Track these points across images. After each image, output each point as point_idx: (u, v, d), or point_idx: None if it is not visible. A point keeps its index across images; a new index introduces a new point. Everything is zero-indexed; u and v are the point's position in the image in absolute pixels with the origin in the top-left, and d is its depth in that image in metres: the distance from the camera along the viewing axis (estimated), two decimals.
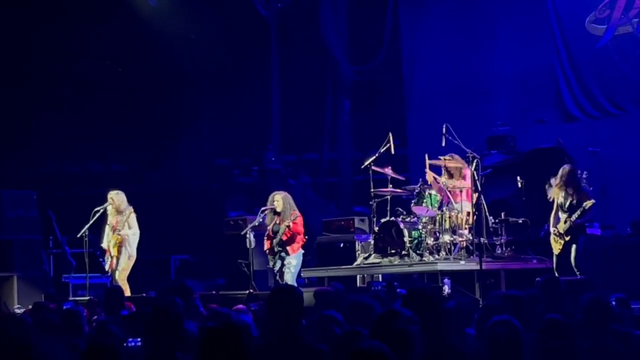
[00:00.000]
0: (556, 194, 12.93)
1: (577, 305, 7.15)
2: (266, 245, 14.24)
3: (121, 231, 14.14)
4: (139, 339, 7.57)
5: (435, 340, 5.71)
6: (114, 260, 14.25)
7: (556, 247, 12.85)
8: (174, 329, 6.10)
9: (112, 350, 5.54)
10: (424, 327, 5.63)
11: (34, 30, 19.32)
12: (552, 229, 12.90)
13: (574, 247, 12.70)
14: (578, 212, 12.60)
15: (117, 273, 14.14)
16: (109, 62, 20.50)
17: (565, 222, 12.69)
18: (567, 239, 12.71)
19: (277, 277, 14.05)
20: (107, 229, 14.34)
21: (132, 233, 14.32)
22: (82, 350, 5.61)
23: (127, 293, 13.93)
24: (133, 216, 14.32)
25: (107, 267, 14.48)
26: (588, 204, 12.60)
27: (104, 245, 14.41)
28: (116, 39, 20.09)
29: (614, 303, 8.14)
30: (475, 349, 6.11)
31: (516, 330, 5.47)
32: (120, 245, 14.22)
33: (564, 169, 12.95)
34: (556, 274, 12.34)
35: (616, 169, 16.15)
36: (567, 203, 12.77)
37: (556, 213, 12.93)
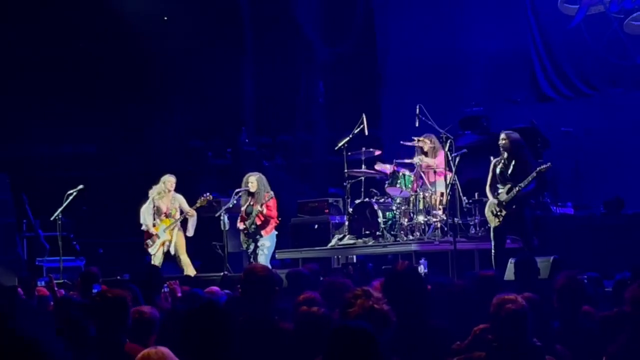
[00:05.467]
0: (494, 164, 12.26)
1: (550, 285, 7.17)
2: (240, 226, 14.25)
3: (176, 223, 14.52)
4: None
5: (414, 320, 5.71)
6: (166, 244, 14.27)
7: (495, 220, 12.21)
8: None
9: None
10: (404, 308, 5.63)
11: None
12: (493, 200, 12.20)
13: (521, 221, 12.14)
14: (529, 179, 11.85)
15: (180, 258, 14.50)
16: (81, 44, 20.31)
17: (509, 192, 11.96)
18: (513, 207, 12.02)
19: (251, 259, 14.05)
20: (152, 211, 14.52)
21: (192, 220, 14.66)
22: None
23: (193, 271, 14.20)
24: (183, 200, 14.80)
25: (154, 250, 14.45)
26: (543, 167, 11.94)
27: (152, 229, 14.56)
28: (86, 19, 19.88)
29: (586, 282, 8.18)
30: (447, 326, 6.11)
31: (525, 307, 5.49)
32: (173, 229, 14.28)
33: (509, 137, 12.24)
34: (493, 251, 12.07)
35: (589, 148, 16.20)
36: (509, 171, 12.03)
37: (493, 184, 12.28)
